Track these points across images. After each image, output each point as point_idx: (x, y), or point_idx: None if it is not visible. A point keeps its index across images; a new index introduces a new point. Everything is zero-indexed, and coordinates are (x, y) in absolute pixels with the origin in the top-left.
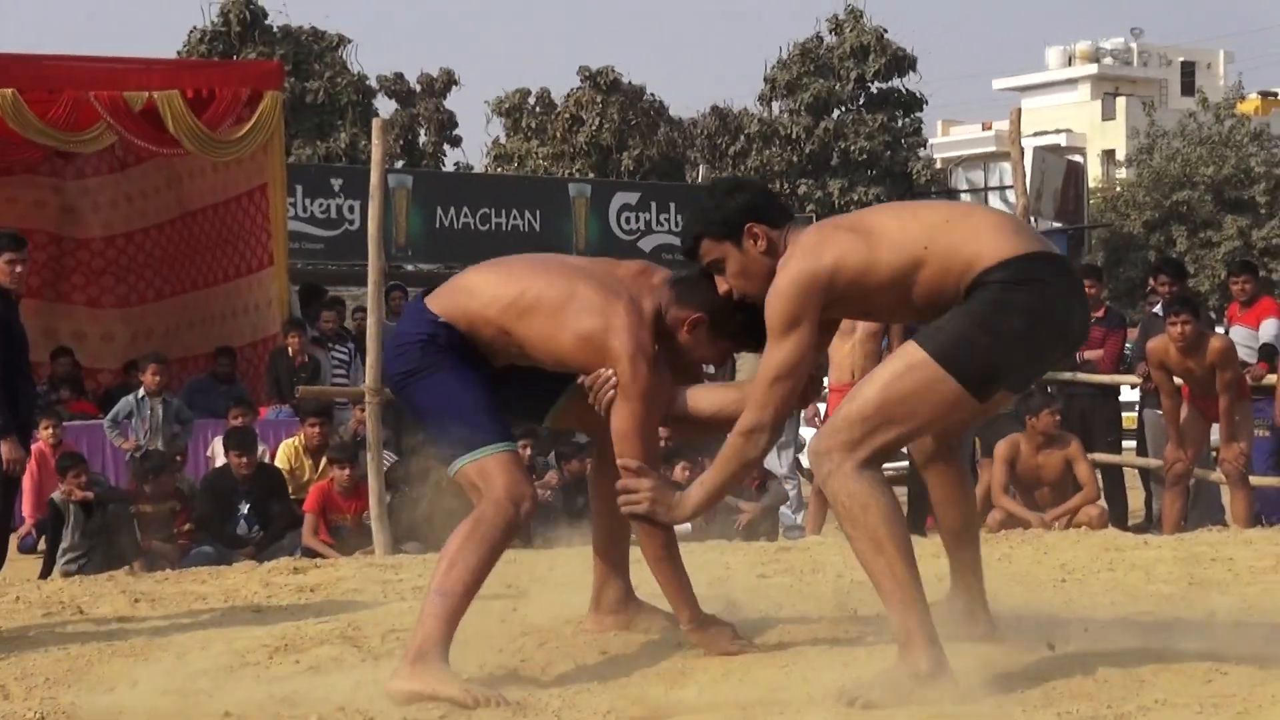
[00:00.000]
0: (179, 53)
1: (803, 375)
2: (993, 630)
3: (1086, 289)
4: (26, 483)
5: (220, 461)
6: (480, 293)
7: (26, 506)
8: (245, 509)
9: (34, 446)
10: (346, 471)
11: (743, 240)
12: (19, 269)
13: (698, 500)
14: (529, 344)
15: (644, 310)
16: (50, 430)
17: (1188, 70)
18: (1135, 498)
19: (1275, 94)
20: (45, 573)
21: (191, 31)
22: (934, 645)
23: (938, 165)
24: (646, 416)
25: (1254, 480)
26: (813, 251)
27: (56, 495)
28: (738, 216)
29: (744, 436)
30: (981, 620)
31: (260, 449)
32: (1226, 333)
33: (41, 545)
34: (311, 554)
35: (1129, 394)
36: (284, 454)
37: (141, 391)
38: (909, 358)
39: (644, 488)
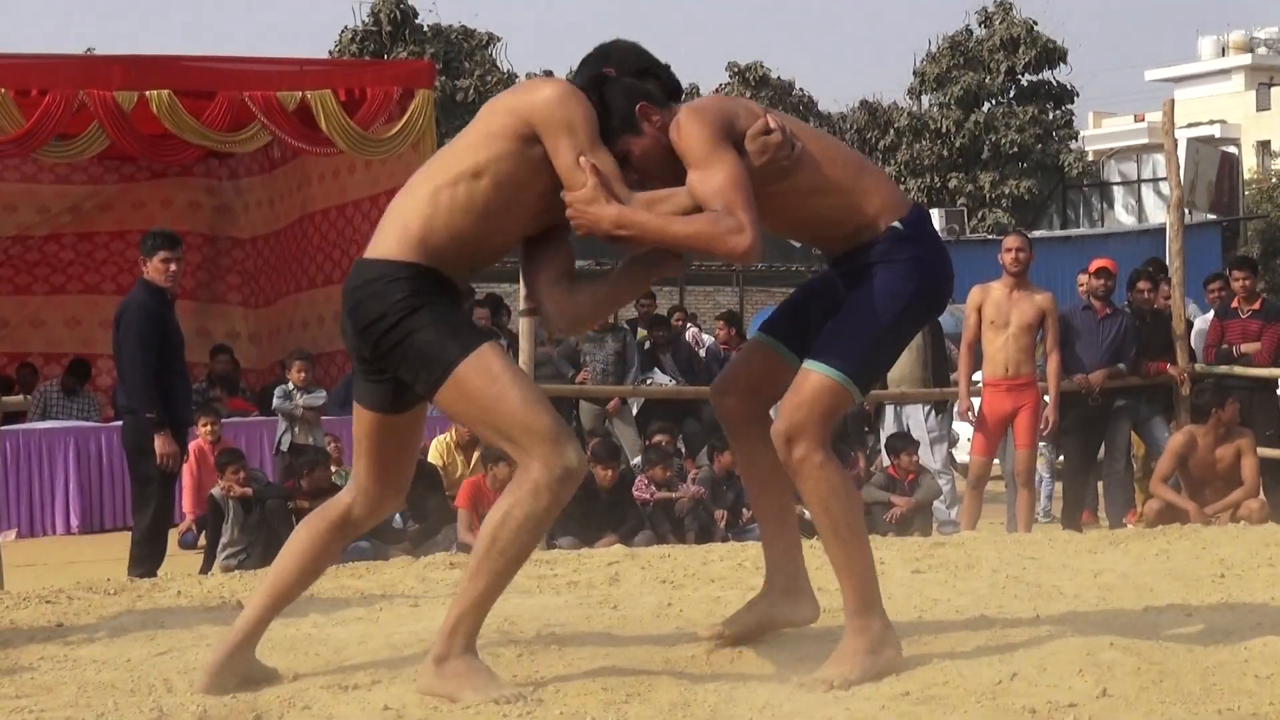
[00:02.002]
0: (331, 53)
1: None
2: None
3: (1241, 281)
4: (186, 479)
5: None
6: None
7: (186, 503)
8: None
9: (193, 443)
10: (506, 467)
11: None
12: (173, 267)
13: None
14: None
15: None
16: (209, 427)
17: None
18: None
19: None
20: (206, 567)
21: (343, 32)
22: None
23: (1090, 157)
24: None
25: None
26: None
27: (216, 491)
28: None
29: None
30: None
31: None
32: None
33: (201, 541)
34: (467, 549)
35: None
36: (436, 450)
37: (291, 385)
38: None
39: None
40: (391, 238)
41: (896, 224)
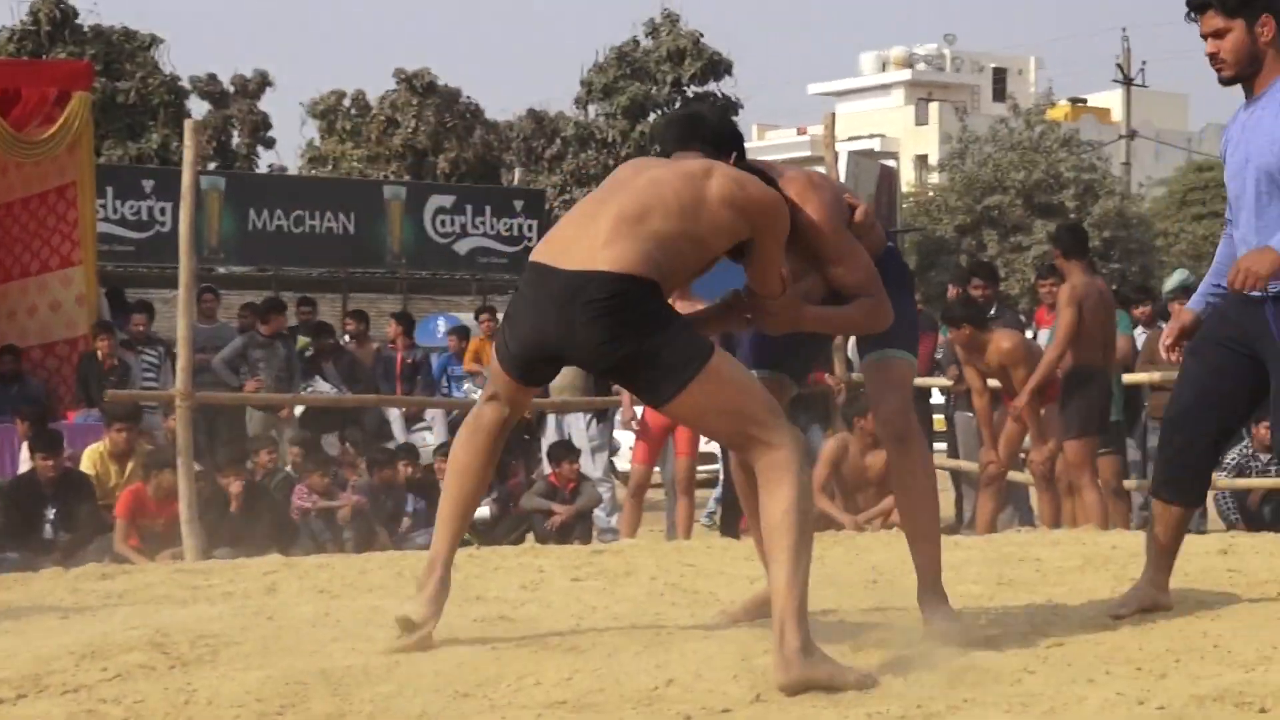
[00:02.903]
0: None
1: None
2: None
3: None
4: None
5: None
6: None
7: None
8: (52, 514)
9: None
10: (170, 475)
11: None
12: None
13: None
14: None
15: None
16: None
17: (999, 76)
18: (945, 500)
19: (1084, 100)
20: None
21: (0, 30)
22: None
23: None
24: None
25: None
26: None
27: None
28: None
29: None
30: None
31: (67, 452)
32: (1034, 336)
33: None
34: (123, 560)
35: (938, 397)
36: (89, 459)
37: None
38: None
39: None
40: (631, 253)
41: None
